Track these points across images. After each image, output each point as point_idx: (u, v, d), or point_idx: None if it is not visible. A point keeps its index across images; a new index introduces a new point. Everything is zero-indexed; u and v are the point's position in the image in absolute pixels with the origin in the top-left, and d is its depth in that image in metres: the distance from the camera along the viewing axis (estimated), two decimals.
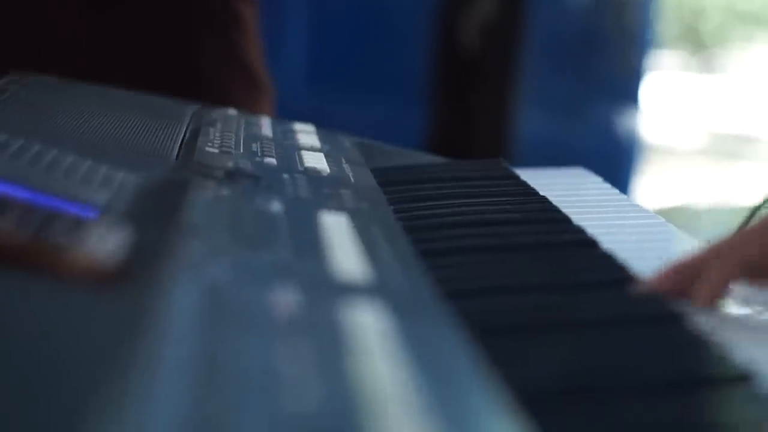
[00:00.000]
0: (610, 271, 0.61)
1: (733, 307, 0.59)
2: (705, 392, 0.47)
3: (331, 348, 0.41)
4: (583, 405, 0.45)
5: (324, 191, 0.70)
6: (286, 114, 1.00)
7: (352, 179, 0.76)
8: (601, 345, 0.51)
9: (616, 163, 2.36)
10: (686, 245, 0.69)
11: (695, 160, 4.13)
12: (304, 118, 0.96)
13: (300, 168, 0.76)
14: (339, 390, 0.37)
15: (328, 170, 0.77)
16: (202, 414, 0.34)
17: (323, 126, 0.95)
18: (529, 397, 0.43)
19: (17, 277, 0.45)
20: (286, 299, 0.45)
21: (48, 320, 0.42)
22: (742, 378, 0.47)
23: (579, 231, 0.69)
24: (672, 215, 0.79)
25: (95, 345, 0.39)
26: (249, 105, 1.06)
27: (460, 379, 0.43)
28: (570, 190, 0.85)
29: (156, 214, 0.57)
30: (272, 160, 0.76)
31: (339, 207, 0.66)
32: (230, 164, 0.71)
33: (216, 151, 0.75)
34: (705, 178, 3.78)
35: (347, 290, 0.48)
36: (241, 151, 0.77)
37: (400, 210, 0.72)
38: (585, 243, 0.67)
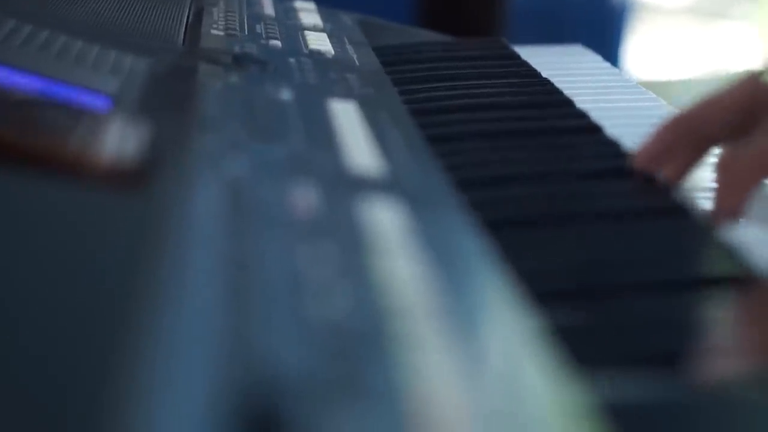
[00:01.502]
0: (616, 159, 0.62)
1: None
2: (710, 290, 0.48)
3: (353, 246, 0.42)
4: (590, 300, 0.46)
5: (330, 76, 0.70)
6: None
7: (357, 61, 0.77)
8: (607, 239, 0.52)
9: (606, 27, 2.35)
10: None
11: (681, 20, 4.10)
12: None
13: (305, 50, 0.76)
14: (364, 291, 0.38)
15: (333, 52, 0.77)
16: (232, 320, 0.35)
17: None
18: (537, 293, 0.44)
19: (34, 177, 0.44)
20: (305, 196, 0.46)
21: (64, 221, 0.41)
22: (748, 276, 0.48)
23: (582, 116, 0.70)
24: (661, 89, 0.80)
25: (120, 247, 0.40)
26: None
27: (477, 276, 0.44)
28: (570, 70, 0.86)
29: (168, 106, 0.58)
30: (277, 43, 0.76)
31: (347, 93, 0.66)
32: (237, 49, 0.71)
33: (221, 33, 0.75)
34: (692, 39, 3.77)
35: (363, 184, 0.49)
36: (246, 33, 0.77)
37: (404, 92, 0.73)
38: (589, 129, 0.67)
